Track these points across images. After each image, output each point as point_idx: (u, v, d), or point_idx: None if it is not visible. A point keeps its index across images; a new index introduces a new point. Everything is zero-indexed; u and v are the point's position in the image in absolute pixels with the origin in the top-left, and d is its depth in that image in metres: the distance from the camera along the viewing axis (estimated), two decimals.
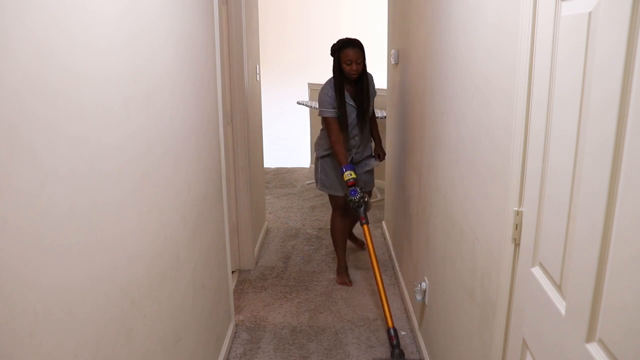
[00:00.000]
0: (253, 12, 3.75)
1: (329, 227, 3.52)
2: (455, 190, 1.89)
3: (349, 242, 3.71)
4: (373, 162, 3.26)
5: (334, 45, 2.99)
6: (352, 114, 3.05)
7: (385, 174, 4.24)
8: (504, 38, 1.37)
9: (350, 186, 2.90)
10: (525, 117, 1.24)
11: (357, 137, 3.11)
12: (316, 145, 3.31)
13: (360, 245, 3.82)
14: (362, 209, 2.87)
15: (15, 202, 0.83)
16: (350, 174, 2.91)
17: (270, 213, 4.70)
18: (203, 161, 2.11)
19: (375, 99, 3.27)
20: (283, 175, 5.97)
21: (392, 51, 3.56)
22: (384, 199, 4.56)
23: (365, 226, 2.85)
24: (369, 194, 3.41)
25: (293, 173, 6.05)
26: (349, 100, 3.04)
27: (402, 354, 2.47)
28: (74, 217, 1.01)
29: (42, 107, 0.90)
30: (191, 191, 1.91)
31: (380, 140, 3.35)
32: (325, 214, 4.62)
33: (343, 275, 3.36)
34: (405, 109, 3.07)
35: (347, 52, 2.91)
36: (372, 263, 2.75)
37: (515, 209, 1.30)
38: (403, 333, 2.79)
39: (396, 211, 3.51)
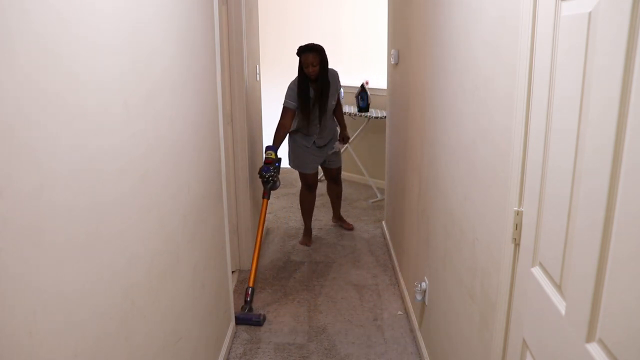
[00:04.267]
0: (253, 12, 3.76)
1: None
2: (455, 190, 1.89)
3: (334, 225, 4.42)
4: (337, 145, 3.86)
5: (297, 49, 3.53)
6: (314, 107, 3.60)
7: (385, 174, 4.24)
8: (504, 38, 1.37)
9: (266, 163, 3.40)
10: (525, 117, 1.24)
11: (318, 125, 3.69)
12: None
13: (348, 226, 4.32)
14: (268, 186, 3.39)
15: (15, 202, 0.83)
16: (270, 154, 3.43)
17: (270, 213, 4.70)
18: (203, 161, 2.11)
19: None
20: (283, 175, 5.96)
21: (392, 51, 3.56)
22: (384, 199, 4.56)
23: (264, 200, 3.39)
24: (338, 170, 4.06)
25: (293, 173, 6.03)
26: (312, 95, 3.59)
27: (251, 309, 2.97)
28: (73, 217, 1.01)
29: (42, 107, 0.90)
30: (191, 191, 1.91)
31: (344, 127, 3.92)
32: (324, 215, 4.62)
33: (307, 238, 4.02)
34: (405, 109, 3.07)
35: (306, 56, 3.48)
36: (258, 226, 3.29)
37: (515, 209, 1.30)
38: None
39: (396, 211, 3.51)
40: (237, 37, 3.14)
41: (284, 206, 4.92)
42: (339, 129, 3.92)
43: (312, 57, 3.45)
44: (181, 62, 1.78)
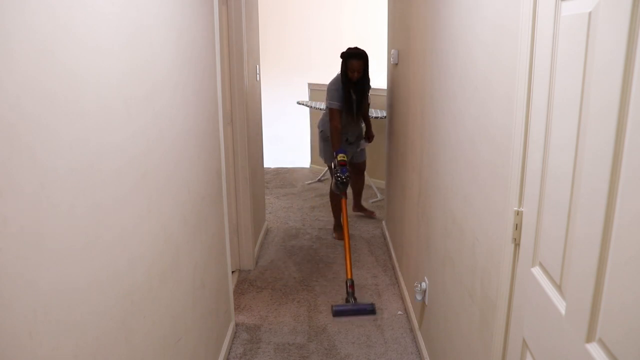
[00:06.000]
0: (253, 12, 3.76)
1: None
2: (455, 190, 1.89)
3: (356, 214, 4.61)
4: (364, 143, 4.17)
5: (343, 52, 3.62)
6: (352, 107, 3.75)
7: (385, 174, 4.25)
8: (503, 38, 1.37)
9: (342, 165, 3.55)
10: (525, 117, 1.24)
11: (352, 123, 3.89)
12: (321, 122, 3.98)
13: (370, 214, 4.56)
14: (345, 186, 3.57)
15: (15, 202, 0.83)
16: (343, 157, 3.58)
17: (270, 213, 4.70)
18: (203, 161, 2.11)
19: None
20: (283, 175, 5.97)
21: (392, 51, 3.56)
22: (384, 199, 4.56)
23: (343, 200, 3.61)
24: (364, 164, 4.31)
25: (293, 173, 6.05)
26: (354, 96, 3.71)
27: (355, 299, 3.08)
28: (74, 217, 1.01)
29: (42, 107, 0.90)
30: (191, 191, 1.91)
31: (370, 125, 4.14)
32: (325, 214, 4.62)
33: (340, 232, 4.06)
34: (405, 109, 3.08)
35: (352, 62, 3.56)
36: (343, 228, 3.48)
37: (515, 209, 1.30)
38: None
39: (396, 211, 3.51)
40: (237, 37, 3.14)
41: (284, 206, 4.93)
42: (364, 127, 4.14)
43: (358, 64, 3.54)
44: (181, 62, 1.78)
